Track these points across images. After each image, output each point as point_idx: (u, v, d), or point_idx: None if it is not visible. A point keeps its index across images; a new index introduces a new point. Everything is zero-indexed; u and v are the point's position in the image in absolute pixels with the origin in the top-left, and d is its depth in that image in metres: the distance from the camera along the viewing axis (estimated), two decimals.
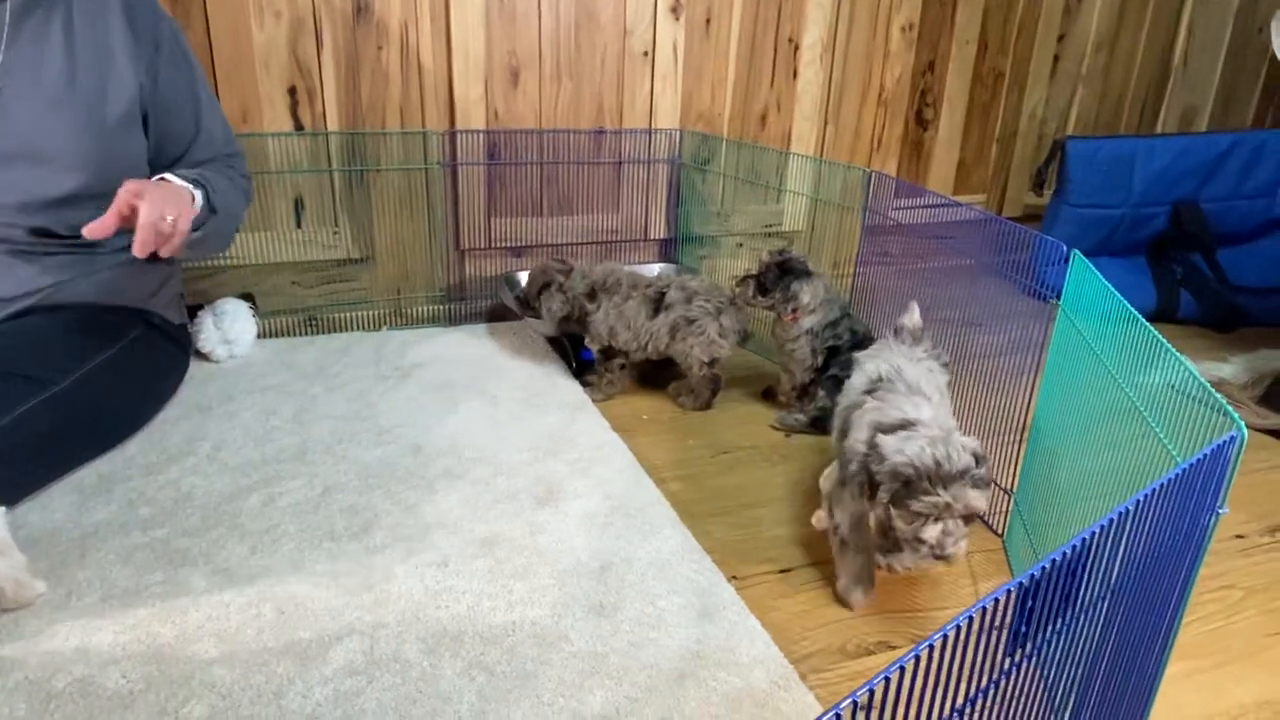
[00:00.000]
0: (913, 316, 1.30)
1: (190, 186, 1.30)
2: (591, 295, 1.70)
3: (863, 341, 1.61)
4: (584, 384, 1.77)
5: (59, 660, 0.99)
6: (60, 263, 1.37)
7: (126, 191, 1.18)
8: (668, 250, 2.21)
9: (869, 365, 1.21)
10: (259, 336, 1.87)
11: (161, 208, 1.20)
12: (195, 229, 1.30)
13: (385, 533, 1.26)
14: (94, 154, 1.30)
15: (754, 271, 1.66)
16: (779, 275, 1.61)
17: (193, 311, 1.76)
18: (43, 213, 1.30)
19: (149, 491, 1.33)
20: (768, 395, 1.76)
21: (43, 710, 0.92)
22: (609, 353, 1.71)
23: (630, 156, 2.09)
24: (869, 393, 1.14)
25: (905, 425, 1.03)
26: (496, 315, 2.08)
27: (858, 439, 1.07)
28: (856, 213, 1.81)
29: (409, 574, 1.17)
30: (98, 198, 1.32)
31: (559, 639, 1.07)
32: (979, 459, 0.97)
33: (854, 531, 1.10)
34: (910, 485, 0.96)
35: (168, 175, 1.30)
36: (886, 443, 1.00)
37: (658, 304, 1.66)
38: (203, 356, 1.77)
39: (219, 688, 0.96)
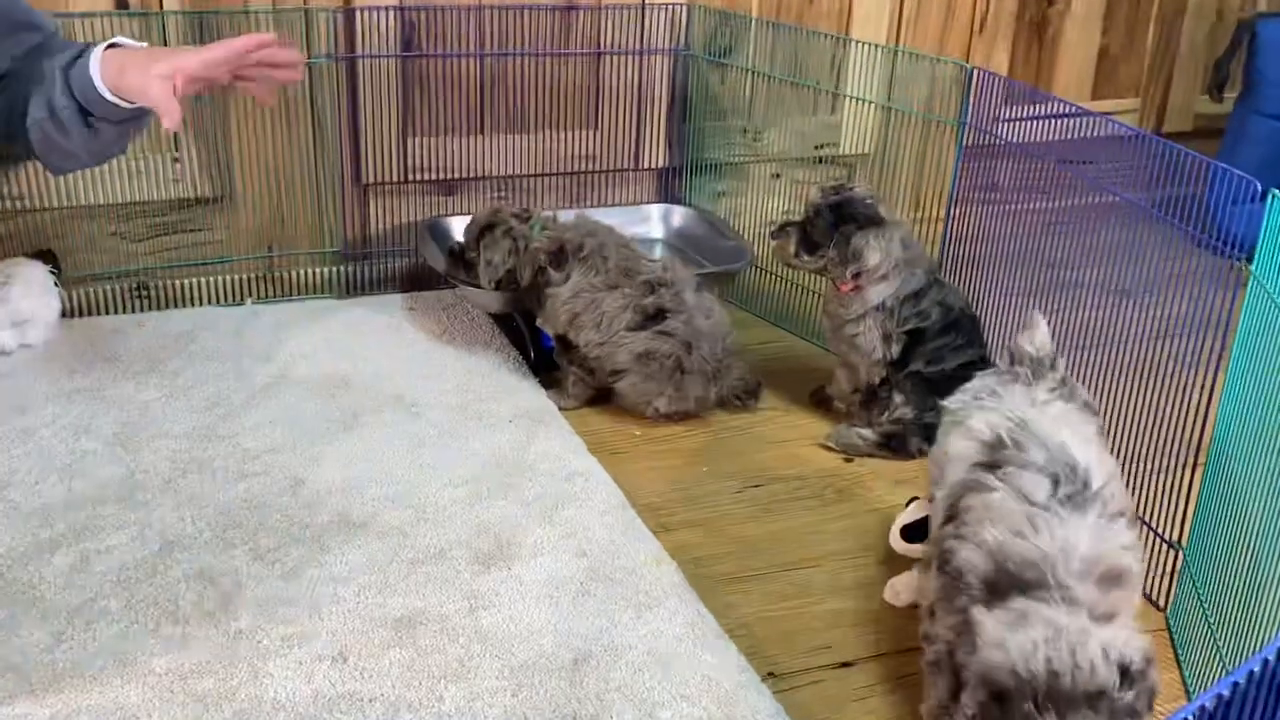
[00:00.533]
0: (1037, 335, 1.23)
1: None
2: (558, 258, 1.68)
3: (958, 322, 1.60)
4: (546, 384, 1.75)
5: None
6: None
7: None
8: (669, 184, 2.20)
9: (979, 421, 1.15)
10: (64, 315, 1.86)
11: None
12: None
13: (253, 611, 1.25)
14: None
15: (796, 217, 1.65)
16: (833, 223, 1.60)
17: None
18: None
19: None
20: (819, 400, 1.76)
21: None
22: (568, 344, 1.71)
23: (615, 45, 2.07)
24: (990, 468, 1.09)
25: (1033, 577, 0.98)
26: (417, 282, 2.06)
27: (970, 565, 1.03)
28: (949, 129, 1.80)
29: (289, 673, 1.16)
30: None
31: None
32: (1128, 674, 0.92)
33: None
34: (1006, 703, 0.94)
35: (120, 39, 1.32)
36: (985, 626, 0.96)
37: (651, 317, 1.66)
38: None
39: None
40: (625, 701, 1.15)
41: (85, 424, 1.59)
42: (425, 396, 1.71)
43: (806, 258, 1.63)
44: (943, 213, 1.83)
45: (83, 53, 1.29)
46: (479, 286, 1.77)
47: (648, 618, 1.27)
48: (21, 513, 1.39)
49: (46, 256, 1.86)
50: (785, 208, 2.11)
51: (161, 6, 1.83)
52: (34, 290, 1.79)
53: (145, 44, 1.33)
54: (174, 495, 1.44)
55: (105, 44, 1.29)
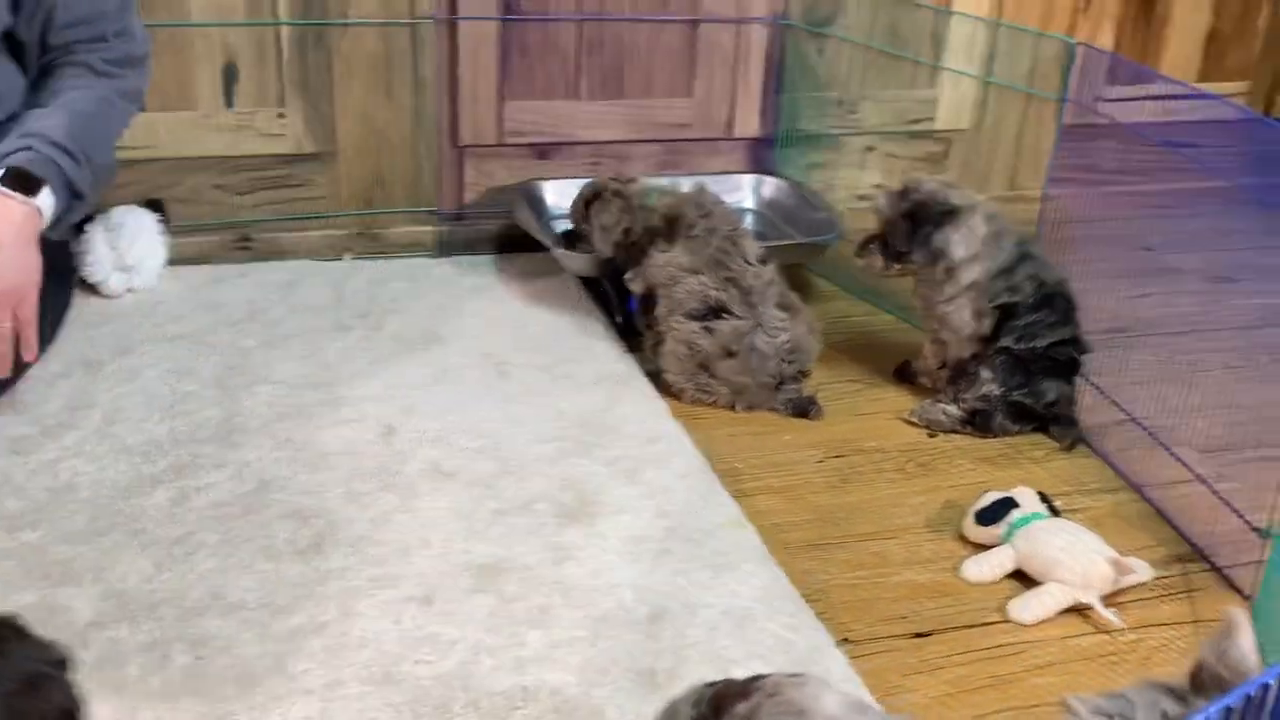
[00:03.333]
0: (1237, 646, 0.79)
1: (33, 201, 1.38)
2: (672, 228, 1.69)
3: (1052, 298, 1.58)
4: (631, 349, 1.77)
5: None
6: None
7: None
8: (761, 155, 2.19)
9: None
10: (168, 262, 1.91)
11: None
12: (55, 220, 1.43)
13: (344, 551, 1.28)
14: None
15: (875, 230, 1.64)
16: (911, 229, 1.59)
17: (78, 224, 1.79)
18: None
19: (17, 477, 1.37)
20: (904, 375, 1.75)
21: None
22: (651, 304, 1.72)
23: (712, 13, 2.06)
24: None
25: None
26: (510, 243, 2.08)
27: None
28: (1050, 105, 1.77)
29: (377, 612, 1.20)
30: None
31: (591, 715, 1.08)
32: None
33: None
34: None
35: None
36: None
37: (711, 310, 1.64)
38: (90, 288, 1.81)
39: None
40: (701, 658, 1.16)
41: (188, 367, 1.64)
42: (513, 355, 1.73)
43: (896, 266, 1.63)
44: (1039, 191, 1.80)
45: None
46: (575, 247, 1.79)
47: (725, 579, 1.28)
48: (127, 448, 1.45)
49: (155, 205, 1.92)
50: (877, 182, 2.10)
51: (276, 15, 1.88)
52: (143, 237, 1.85)
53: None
54: (271, 438, 1.48)
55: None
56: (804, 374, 1.68)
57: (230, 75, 1.89)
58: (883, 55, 2.01)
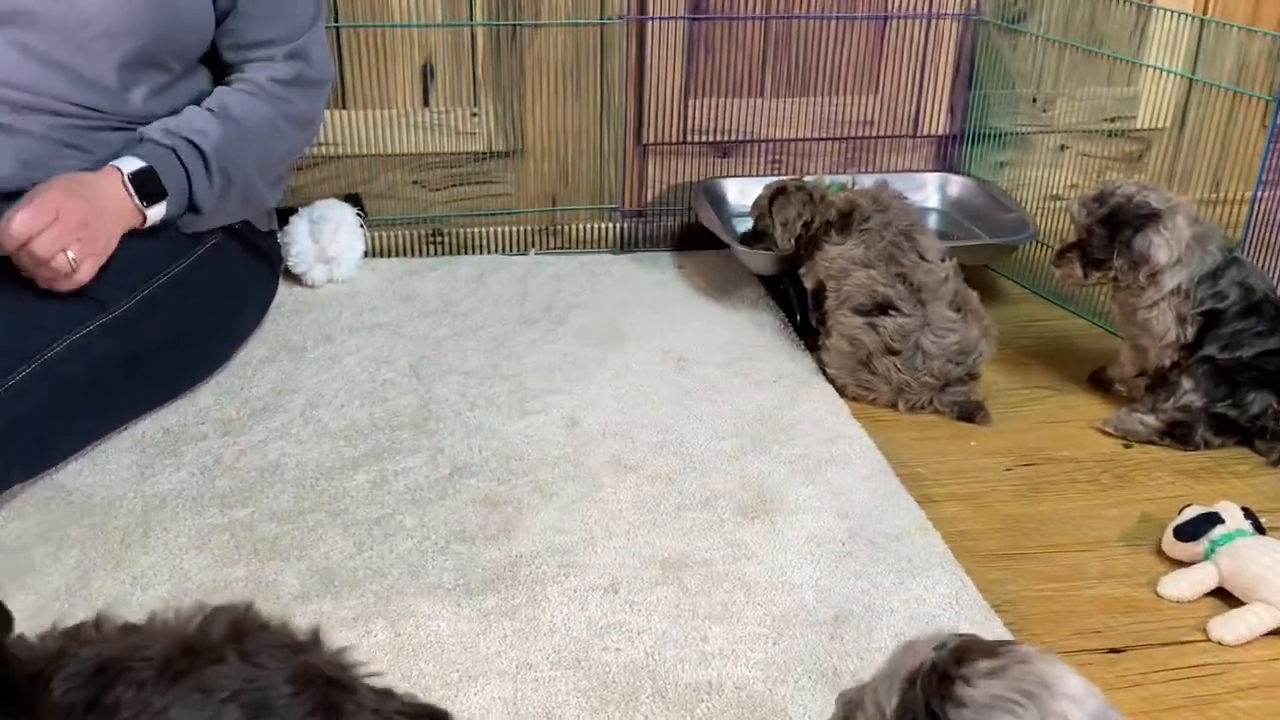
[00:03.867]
0: None
1: (146, 205, 1.44)
2: (846, 221, 1.68)
3: (1260, 305, 1.50)
4: (812, 347, 1.76)
5: None
6: (114, 146, 1.50)
7: (37, 201, 1.31)
8: (948, 152, 2.15)
9: None
10: (365, 255, 1.99)
11: (65, 238, 1.32)
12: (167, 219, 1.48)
13: (533, 538, 1.32)
14: (146, 15, 1.42)
15: (1072, 239, 1.59)
16: (1109, 235, 1.53)
17: (283, 217, 1.89)
18: (89, 88, 1.44)
19: (227, 457, 1.45)
20: (1099, 382, 1.69)
21: None
22: (822, 298, 1.70)
23: (902, 9, 2.04)
24: None
25: None
26: (690, 240, 2.10)
27: None
28: (1259, 104, 1.68)
29: (565, 599, 1.22)
30: (155, 68, 1.49)
31: (774, 713, 1.09)
32: None
33: None
34: None
35: (123, 167, 1.43)
36: None
37: (877, 307, 1.62)
38: (293, 278, 1.90)
39: None
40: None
41: (385, 355, 1.71)
42: (693, 352, 1.74)
43: (1096, 275, 1.58)
44: (1246, 194, 1.71)
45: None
46: (756, 245, 1.79)
47: (910, 584, 1.27)
48: (329, 431, 1.52)
49: (354, 200, 2.00)
50: (1070, 181, 2.03)
51: (472, 16, 1.93)
52: (343, 231, 1.93)
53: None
54: (463, 425, 1.53)
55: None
56: (972, 377, 1.64)
57: (428, 75, 1.96)
58: (1079, 51, 1.94)
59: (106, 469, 1.42)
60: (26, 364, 1.31)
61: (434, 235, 2.07)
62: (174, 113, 1.51)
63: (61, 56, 1.42)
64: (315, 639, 0.71)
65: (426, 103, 1.98)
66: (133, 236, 1.44)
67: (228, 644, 0.66)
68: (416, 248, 2.07)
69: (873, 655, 1.16)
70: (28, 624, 1.16)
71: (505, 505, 1.37)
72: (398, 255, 2.06)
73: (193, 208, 1.50)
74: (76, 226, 1.33)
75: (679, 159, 2.09)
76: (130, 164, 1.42)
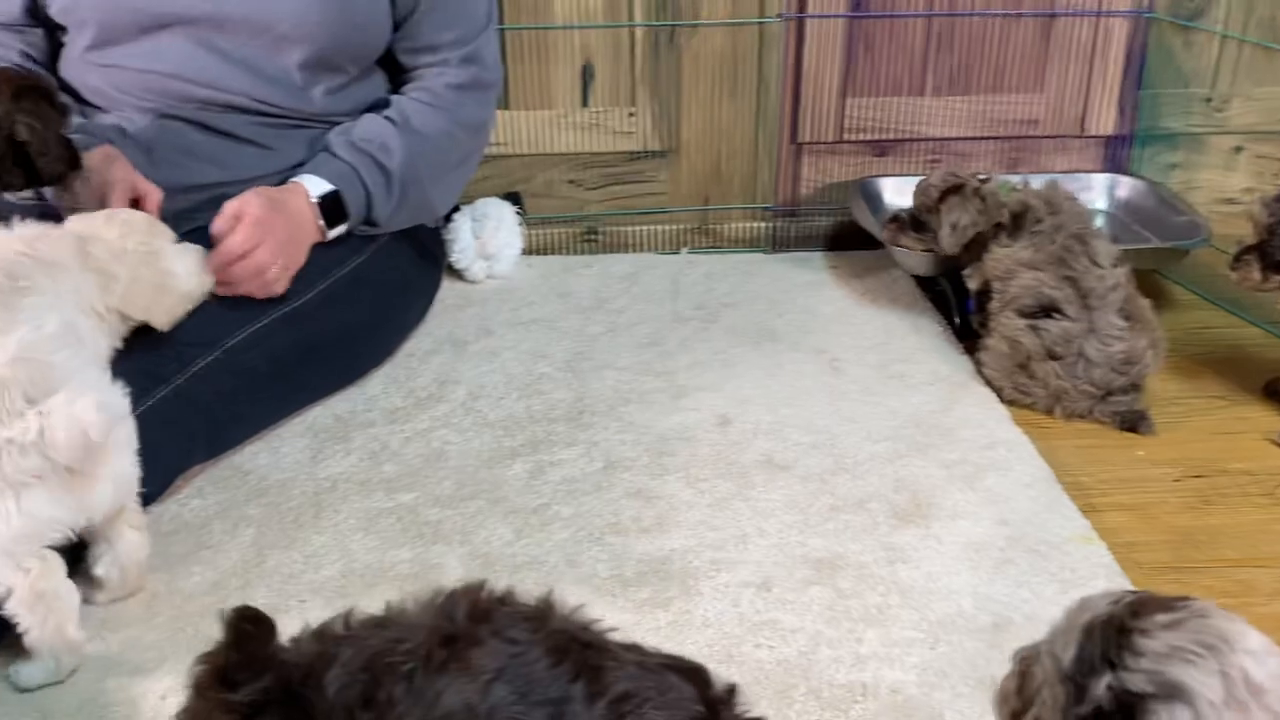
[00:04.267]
0: None
1: (327, 226, 1.50)
2: (1018, 222, 1.64)
3: None
4: (970, 350, 1.73)
5: None
6: (295, 142, 1.57)
7: (251, 218, 1.40)
8: (1115, 153, 2.08)
9: None
10: (523, 252, 2.04)
11: (276, 255, 1.43)
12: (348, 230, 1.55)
13: (685, 533, 1.33)
14: (326, 20, 1.49)
15: (1251, 240, 1.52)
16: None
17: (447, 214, 1.95)
18: (271, 86, 1.52)
19: (393, 444, 1.51)
20: (1275, 393, 1.62)
21: None
22: (985, 301, 1.67)
23: (1070, 7, 1.99)
24: None
25: None
26: (843, 240, 2.09)
27: None
28: None
29: (717, 594, 1.24)
30: (333, 70, 1.55)
31: (930, 718, 1.08)
32: None
33: None
34: None
35: (311, 189, 1.49)
36: None
37: (1042, 309, 1.58)
38: (455, 274, 1.96)
39: None
40: None
41: (541, 350, 1.75)
42: (846, 353, 1.74)
43: (1276, 278, 1.51)
44: None
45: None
46: (930, 250, 1.76)
47: (1073, 594, 1.20)
48: (489, 422, 1.56)
49: (514, 198, 2.05)
50: (1245, 185, 1.95)
51: (632, 17, 1.96)
52: (503, 228, 1.98)
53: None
54: (617, 420, 1.56)
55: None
56: (1135, 388, 1.58)
57: (587, 75, 2.00)
58: (1259, 49, 1.86)
59: (281, 452, 1.49)
60: (210, 351, 1.39)
61: (588, 234, 2.10)
62: (354, 112, 1.57)
63: (246, 56, 1.50)
64: (550, 605, 0.74)
65: (585, 103, 2.02)
66: None
67: (478, 625, 0.69)
68: (571, 246, 2.10)
69: None
70: (208, 597, 1.24)
71: (658, 500, 1.39)
72: (553, 253, 2.10)
73: (369, 223, 1.57)
74: (283, 242, 1.42)
75: (834, 158, 2.08)
76: (318, 186, 1.49)
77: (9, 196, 1.37)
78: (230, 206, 1.41)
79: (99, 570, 1.19)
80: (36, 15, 1.53)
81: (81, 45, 1.51)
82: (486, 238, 1.96)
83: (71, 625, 1.11)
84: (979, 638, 1.18)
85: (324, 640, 0.72)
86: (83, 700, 1.10)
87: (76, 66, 1.53)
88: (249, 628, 0.70)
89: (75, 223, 1.28)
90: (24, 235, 1.21)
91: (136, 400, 1.28)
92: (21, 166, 1.33)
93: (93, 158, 1.39)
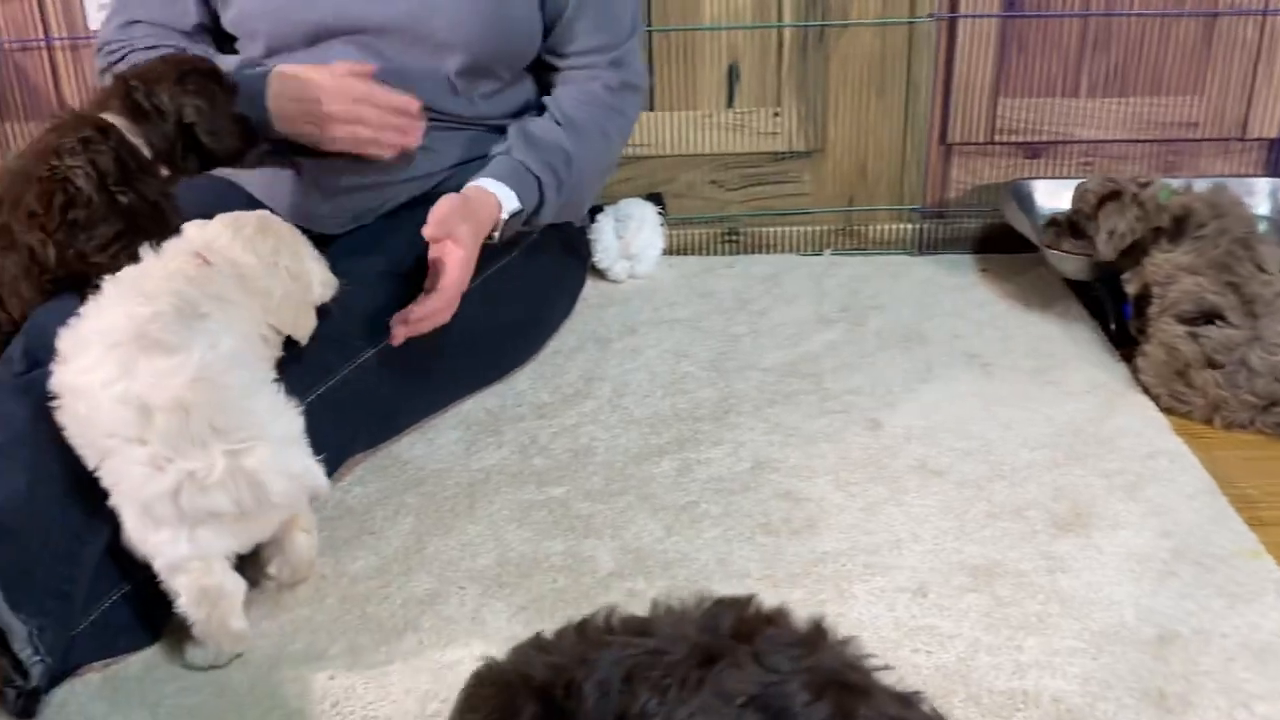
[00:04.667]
0: None
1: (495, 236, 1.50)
2: (1180, 227, 1.60)
3: None
4: (1127, 357, 1.68)
5: (454, 630, 1.19)
6: (454, 143, 1.61)
7: (447, 243, 1.41)
8: (1279, 158, 2.01)
9: None
10: (664, 252, 2.05)
11: (466, 282, 1.44)
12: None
13: (837, 535, 1.33)
14: (482, 28, 1.53)
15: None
16: None
17: (590, 213, 1.97)
18: (432, 92, 1.55)
19: (542, 438, 1.53)
20: None
21: (442, 685, 1.12)
22: (1144, 306, 1.62)
23: (1233, 6, 1.92)
24: None
25: None
26: (993, 243, 2.05)
27: None
28: None
29: (872, 598, 1.23)
30: (488, 76, 1.59)
31: None
32: None
33: None
34: None
35: (506, 205, 1.49)
36: None
37: (1203, 315, 1.54)
38: (597, 273, 1.98)
39: None
40: (1216, 688, 1.09)
41: (684, 349, 1.76)
42: (998, 357, 1.70)
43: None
44: None
45: None
46: (1088, 255, 1.72)
47: (1242, 609, 1.19)
48: (635, 419, 1.57)
49: (656, 199, 2.07)
50: None
51: (780, 17, 1.96)
52: (645, 228, 1.99)
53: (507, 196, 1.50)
54: (763, 421, 1.55)
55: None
56: None
57: (733, 76, 2.00)
58: None
59: (436, 443, 1.53)
60: (372, 346, 1.43)
61: (729, 234, 2.11)
62: (508, 115, 1.61)
63: (406, 63, 1.54)
64: (820, 632, 0.72)
65: (731, 103, 2.02)
66: None
67: (740, 645, 0.69)
68: (712, 246, 2.11)
69: (1200, 679, 1.10)
70: (373, 581, 1.28)
71: (808, 501, 1.39)
72: (694, 253, 2.11)
73: (527, 223, 1.58)
74: (468, 273, 1.44)
75: (985, 159, 2.05)
76: (510, 203, 1.50)
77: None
78: (447, 223, 1.40)
79: (270, 569, 1.22)
80: (210, 26, 1.59)
81: (253, 54, 1.57)
82: (629, 238, 1.97)
83: (235, 618, 1.13)
84: (1143, 650, 1.14)
85: (586, 640, 0.73)
86: (255, 679, 1.14)
87: None
88: None
89: (223, 231, 1.26)
90: (181, 261, 1.21)
91: (306, 390, 1.33)
92: (195, 150, 1.39)
93: (285, 85, 1.46)
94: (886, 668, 0.71)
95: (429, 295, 1.40)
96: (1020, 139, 2.02)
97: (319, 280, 1.33)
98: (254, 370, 1.17)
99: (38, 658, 1.08)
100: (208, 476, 1.04)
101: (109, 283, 1.18)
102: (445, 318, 1.43)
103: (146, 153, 1.35)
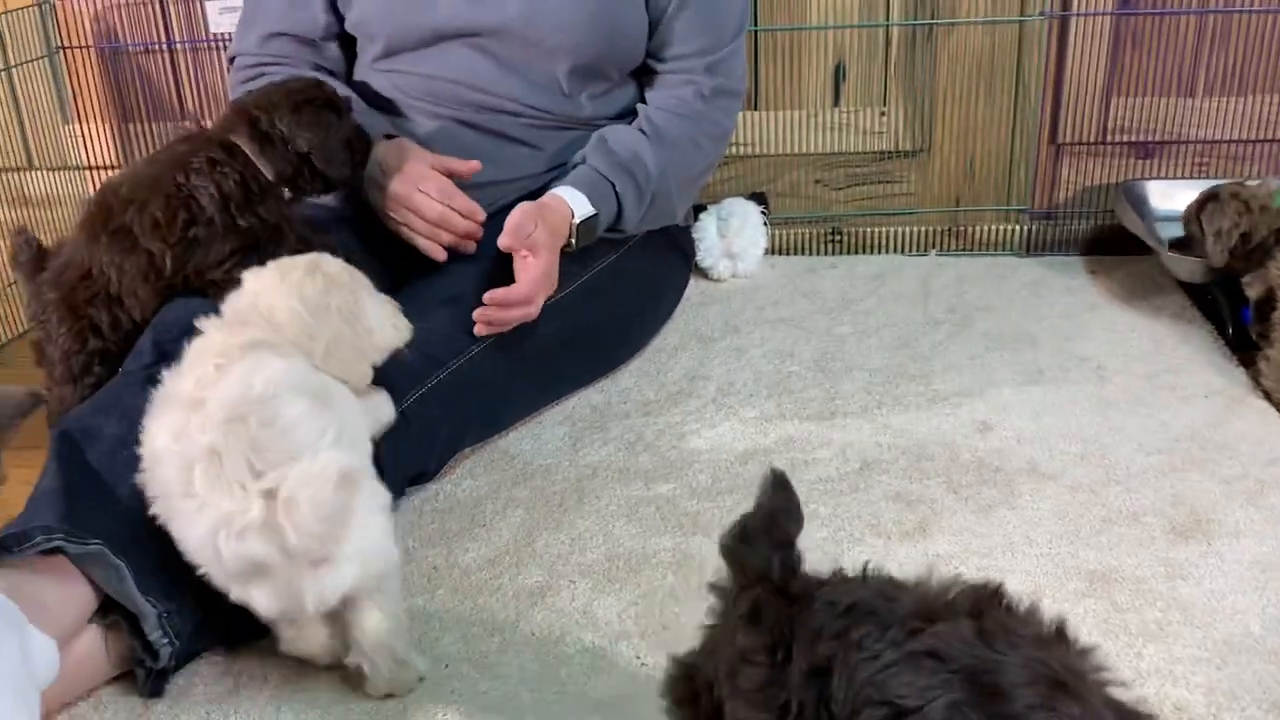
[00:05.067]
0: None
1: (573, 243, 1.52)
2: None
3: None
4: (1246, 362, 1.64)
5: (565, 621, 1.20)
6: (560, 143, 1.63)
7: (541, 267, 1.44)
8: None
9: None
10: (766, 251, 2.04)
11: (546, 293, 1.47)
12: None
13: (949, 538, 1.31)
14: (593, 31, 1.54)
15: None
16: None
17: (694, 213, 1.97)
18: (542, 92, 1.57)
19: (648, 435, 1.54)
20: None
21: (553, 674, 1.13)
22: (1268, 311, 1.57)
23: None
24: None
25: None
26: (1103, 245, 2.01)
27: None
28: None
29: None
30: (598, 78, 1.60)
31: None
32: None
33: None
34: None
35: (576, 210, 1.51)
36: None
37: None
38: (700, 272, 1.99)
39: None
40: None
41: (788, 349, 1.75)
42: (1111, 361, 1.67)
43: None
44: None
45: None
46: (1187, 252, 1.69)
47: None
48: (740, 419, 1.57)
49: (759, 198, 2.06)
50: None
51: (888, 16, 1.95)
52: (748, 228, 1.99)
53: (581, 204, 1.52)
54: (870, 422, 1.54)
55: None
56: None
57: (839, 75, 1.99)
58: None
59: (543, 438, 1.54)
60: (482, 341, 1.45)
61: (833, 234, 2.10)
62: (615, 116, 1.62)
63: (518, 65, 1.56)
64: (1060, 632, 0.72)
65: (836, 102, 2.01)
66: None
67: (966, 617, 0.70)
68: (815, 246, 2.10)
69: None
70: (484, 573, 1.29)
71: (919, 504, 1.37)
72: (797, 253, 2.10)
73: (612, 230, 1.59)
74: (547, 278, 1.47)
75: (1096, 159, 2.01)
76: (582, 208, 1.52)
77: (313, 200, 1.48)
78: (522, 230, 1.43)
79: (349, 660, 1.11)
80: (338, 31, 1.63)
81: (371, 55, 1.60)
82: (731, 237, 1.98)
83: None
84: (1270, 660, 1.11)
85: (833, 578, 0.81)
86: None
87: (366, 73, 1.63)
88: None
89: (269, 277, 1.15)
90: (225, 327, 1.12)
91: (417, 384, 1.36)
92: (315, 175, 1.42)
93: (386, 152, 1.48)
94: (1122, 684, 0.70)
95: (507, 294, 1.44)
96: (1133, 138, 1.97)
97: (383, 322, 1.21)
98: (307, 405, 1.05)
99: (166, 640, 1.11)
100: (243, 517, 0.97)
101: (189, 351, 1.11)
102: (522, 316, 1.45)
103: (270, 176, 1.39)
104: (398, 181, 1.49)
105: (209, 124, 1.49)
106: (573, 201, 1.52)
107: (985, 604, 0.71)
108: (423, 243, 1.51)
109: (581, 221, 1.52)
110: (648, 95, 1.65)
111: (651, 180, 1.58)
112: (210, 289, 1.31)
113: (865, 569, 0.80)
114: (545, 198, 1.51)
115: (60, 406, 1.38)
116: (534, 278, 1.44)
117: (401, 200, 1.49)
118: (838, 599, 0.74)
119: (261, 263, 1.19)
